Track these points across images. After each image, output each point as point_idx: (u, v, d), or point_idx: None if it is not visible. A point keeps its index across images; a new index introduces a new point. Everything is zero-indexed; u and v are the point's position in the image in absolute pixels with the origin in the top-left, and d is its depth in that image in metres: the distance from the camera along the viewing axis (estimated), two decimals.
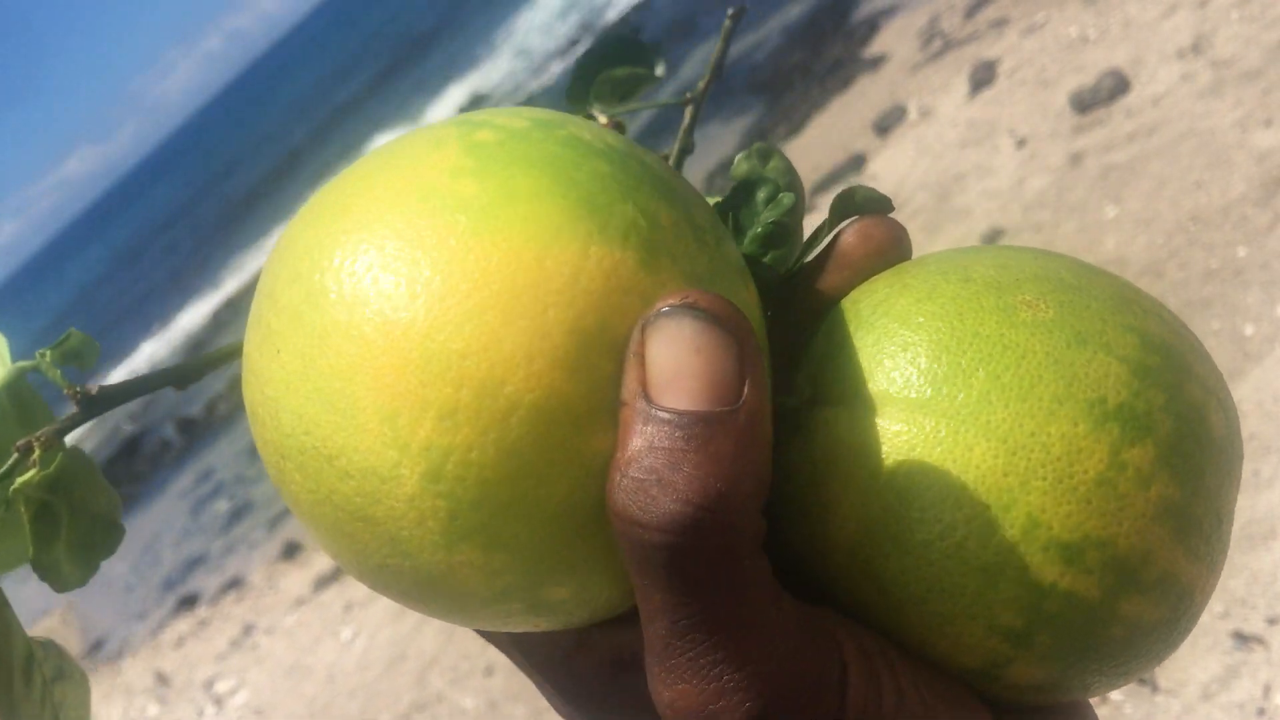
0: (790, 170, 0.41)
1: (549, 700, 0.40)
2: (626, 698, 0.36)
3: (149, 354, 19.96)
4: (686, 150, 0.44)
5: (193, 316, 19.62)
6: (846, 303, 0.39)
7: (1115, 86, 4.15)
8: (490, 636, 0.42)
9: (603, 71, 0.44)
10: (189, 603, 6.13)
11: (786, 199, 0.41)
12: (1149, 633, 0.35)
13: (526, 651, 0.39)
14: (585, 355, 0.31)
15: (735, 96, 7.13)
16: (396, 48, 32.36)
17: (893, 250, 0.40)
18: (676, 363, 0.30)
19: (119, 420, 11.81)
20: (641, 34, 0.46)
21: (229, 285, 19.18)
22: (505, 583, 0.32)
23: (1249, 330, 2.74)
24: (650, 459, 0.29)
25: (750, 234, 0.41)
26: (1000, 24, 5.49)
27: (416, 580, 0.32)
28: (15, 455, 0.38)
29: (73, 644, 6.29)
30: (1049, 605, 0.34)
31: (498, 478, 0.31)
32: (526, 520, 0.31)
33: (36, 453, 0.38)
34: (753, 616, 0.31)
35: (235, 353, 0.41)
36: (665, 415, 0.30)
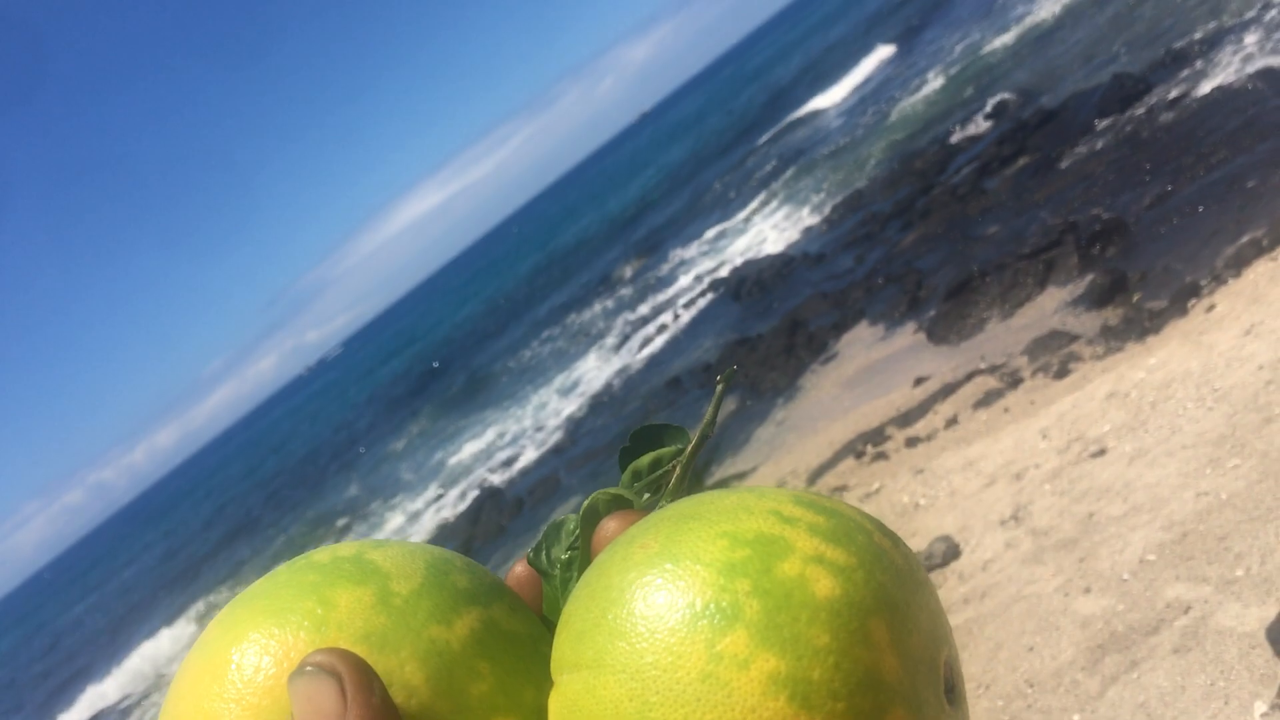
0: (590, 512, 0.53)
1: None
2: None
3: None
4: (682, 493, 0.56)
5: None
6: None
7: (947, 551, 4.36)
8: None
9: (632, 462, 0.57)
10: None
11: (577, 535, 0.52)
12: None
13: None
14: None
15: None
16: (266, 496, 32.57)
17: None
18: (303, 713, 0.39)
19: None
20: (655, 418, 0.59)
21: None
22: None
23: None
24: None
25: (560, 561, 0.53)
26: (839, 490, 5.83)
27: None
28: None
29: None
30: None
31: None
32: None
33: None
34: None
35: None
36: None
